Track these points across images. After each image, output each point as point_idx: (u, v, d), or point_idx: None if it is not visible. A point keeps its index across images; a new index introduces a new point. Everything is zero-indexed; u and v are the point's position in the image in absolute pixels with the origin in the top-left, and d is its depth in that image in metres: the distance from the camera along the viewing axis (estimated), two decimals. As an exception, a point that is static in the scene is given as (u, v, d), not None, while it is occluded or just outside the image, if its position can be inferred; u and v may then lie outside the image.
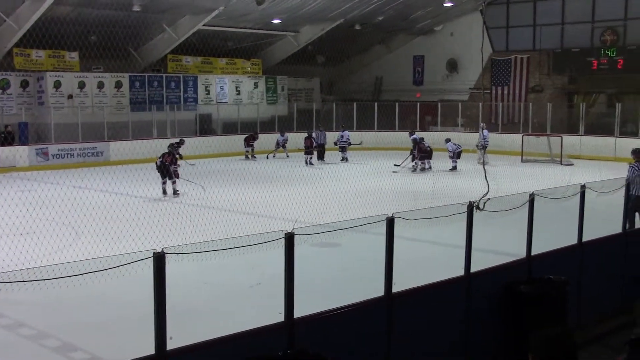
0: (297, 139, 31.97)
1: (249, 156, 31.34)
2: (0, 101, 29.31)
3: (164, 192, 20.22)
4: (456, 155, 27.05)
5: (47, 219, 15.16)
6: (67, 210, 15.54)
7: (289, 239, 6.22)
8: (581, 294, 9.40)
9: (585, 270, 9.75)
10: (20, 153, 26.83)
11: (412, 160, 27.24)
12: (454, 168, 26.64)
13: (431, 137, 33.10)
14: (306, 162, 29.30)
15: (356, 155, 30.99)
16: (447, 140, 27.66)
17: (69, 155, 28.38)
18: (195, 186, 20.33)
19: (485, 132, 28.88)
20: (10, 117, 28.96)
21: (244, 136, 32.29)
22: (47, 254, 11.90)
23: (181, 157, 21.56)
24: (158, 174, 20.46)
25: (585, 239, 9.93)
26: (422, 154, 26.68)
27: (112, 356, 6.69)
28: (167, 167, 20.31)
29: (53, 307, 9.49)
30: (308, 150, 29.73)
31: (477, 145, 28.27)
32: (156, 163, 20.70)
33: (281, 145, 32.24)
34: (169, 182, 20.32)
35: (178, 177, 20.57)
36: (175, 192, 20.27)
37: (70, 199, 16.54)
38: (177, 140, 24.05)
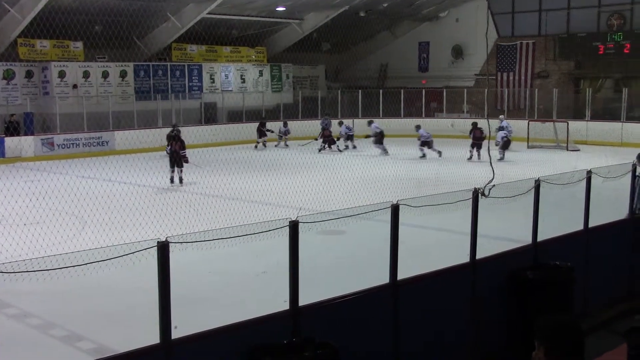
0: (302, 126, 31.86)
1: (258, 145, 30.90)
2: (5, 91, 29.33)
3: (172, 180, 20.27)
4: (427, 144, 26.63)
5: (53, 209, 15.18)
6: (73, 200, 15.57)
7: (294, 226, 6.21)
8: (587, 280, 9.37)
9: (591, 256, 9.72)
10: (25, 143, 26.89)
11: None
12: (424, 156, 26.36)
13: (436, 124, 33.11)
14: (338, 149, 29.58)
15: (361, 142, 30.84)
16: (418, 127, 27.34)
17: (75, 145, 28.40)
18: (197, 167, 20.53)
19: (505, 122, 28.64)
20: (15, 108, 28.95)
21: (247, 124, 32.32)
22: (53, 244, 11.92)
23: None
24: (167, 162, 20.51)
25: (591, 224, 9.89)
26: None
27: (118, 345, 6.69)
28: (178, 154, 20.33)
29: (59, 297, 9.51)
30: (330, 140, 29.82)
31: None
32: (167, 151, 20.77)
33: (282, 134, 31.83)
34: (176, 170, 20.35)
35: (187, 162, 20.61)
36: (180, 181, 20.30)
37: (76, 189, 16.54)
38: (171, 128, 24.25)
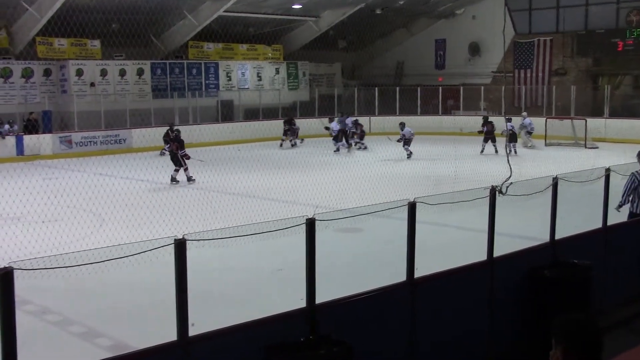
0: (319, 124, 31.81)
1: (282, 143, 30.69)
2: (23, 90, 29.57)
3: (172, 179, 20.14)
4: (407, 142, 26.05)
5: (70, 207, 15.28)
6: (90, 197, 15.68)
7: (310, 224, 6.20)
8: (606, 278, 9.30)
9: (610, 254, 9.64)
10: (44, 141, 27.08)
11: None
12: (410, 154, 25.92)
13: (453, 121, 33.01)
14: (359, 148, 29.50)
15: (378, 140, 30.82)
16: (403, 126, 26.51)
17: (92, 143, 28.58)
18: (200, 162, 20.64)
19: (528, 120, 29.15)
20: (34, 106, 29.20)
21: (264, 122, 32.28)
22: (71, 241, 12.01)
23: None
24: (184, 161, 20.54)
25: (610, 222, 9.81)
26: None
27: (135, 342, 6.72)
28: (177, 155, 20.28)
29: (77, 294, 9.58)
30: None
31: (520, 131, 28.74)
32: (165, 150, 20.83)
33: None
34: (181, 171, 20.31)
35: (189, 158, 20.50)
36: (189, 179, 20.24)
37: (93, 186, 16.66)
38: (168, 127, 24.40)
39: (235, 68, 36.57)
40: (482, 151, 26.86)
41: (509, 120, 27.18)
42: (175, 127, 24.25)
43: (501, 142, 26.63)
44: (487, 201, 8.01)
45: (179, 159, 20.27)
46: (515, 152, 25.82)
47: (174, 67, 34.13)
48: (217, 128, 29.79)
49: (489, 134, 26.98)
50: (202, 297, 6.45)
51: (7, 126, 27.03)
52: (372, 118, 35.70)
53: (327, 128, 29.38)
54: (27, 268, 4.98)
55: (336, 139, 28.47)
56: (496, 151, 26.24)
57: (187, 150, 20.74)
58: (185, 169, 20.31)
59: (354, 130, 30.23)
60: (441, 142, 27.88)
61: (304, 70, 39.68)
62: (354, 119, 31.21)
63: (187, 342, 5.48)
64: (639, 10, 34.06)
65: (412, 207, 7.08)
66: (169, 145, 20.79)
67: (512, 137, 26.38)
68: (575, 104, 33.36)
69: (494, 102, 36.93)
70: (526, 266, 8.36)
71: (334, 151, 27.86)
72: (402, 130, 26.21)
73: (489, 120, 27.52)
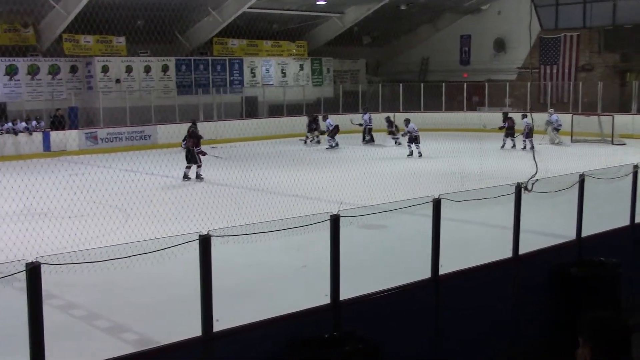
0: (344, 120, 31.76)
1: (308, 140, 30.56)
2: (50, 86, 29.85)
3: (184, 176, 20.12)
4: (415, 140, 25.11)
5: (96, 202, 15.40)
6: (116, 193, 15.78)
7: (335, 220, 6.20)
8: (633, 275, 9.20)
9: (638, 251, 9.53)
10: (70, 137, 27.33)
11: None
12: (412, 154, 25.06)
13: (478, 118, 32.80)
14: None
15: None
16: (408, 122, 25.84)
17: (118, 139, 28.78)
18: (217, 157, 20.74)
19: (555, 116, 29.28)
20: (60, 102, 29.45)
21: (288, 118, 32.36)
22: (97, 236, 12.10)
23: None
24: (207, 157, 20.56)
25: (638, 220, 9.70)
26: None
27: (160, 337, 6.76)
28: (193, 152, 20.32)
29: (103, 289, 9.63)
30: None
31: (547, 128, 29.08)
32: (182, 146, 20.92)
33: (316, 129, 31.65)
34: (193, 167, 20.32)
35: (204, 154, 20.49)
36: (198, 177, 20.22)
37: (119, 182, 16.76)
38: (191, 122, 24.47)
39: (259, 64, 36.62)
40: (502, 146, 27.38)
41: (525, 116, 27.14)
42: (195, 123, 24.33)
43: (521, 138, 26.82)
44: (512, 198, 7.96)
45: (194, 156, 20.30)
46: (533, 147, 25.59)
47: (198, 64, 34.25)
48: (242, 124, 29.78)
49: (509, 130, 27.65)
50: (226, 293, 6.46)
51: (34, 122, 27.32)
52: (397, 114, 35.55)
53: (322, 132, 29.49)
54: (54, 263, 5.02)
55: (330, 134, 28.61)
56: (513, 146, 27.08)
57: (204, 147, 20.80)
58: (199, 166, 20.31)
59: (370, 126, 30.33)
60: (465, 138, 27.69)
61: (328, 66, 39.63)
62: (387, 115, 31.12)
63: (211, 338, 5.51)
64: (668, 4, 33.60)
65: (437, 204, 7.05)
66: (185, 141, 20.85)
67: (528, 133, 26.42)
68: (602, 100, 32.98)
69: (519, 98, 36.60)
70: (552, 264, 8.30)
71: (326, 148, 27.88)
72: (407, 127, 25.77)
73: (508, 115, 28.23)
